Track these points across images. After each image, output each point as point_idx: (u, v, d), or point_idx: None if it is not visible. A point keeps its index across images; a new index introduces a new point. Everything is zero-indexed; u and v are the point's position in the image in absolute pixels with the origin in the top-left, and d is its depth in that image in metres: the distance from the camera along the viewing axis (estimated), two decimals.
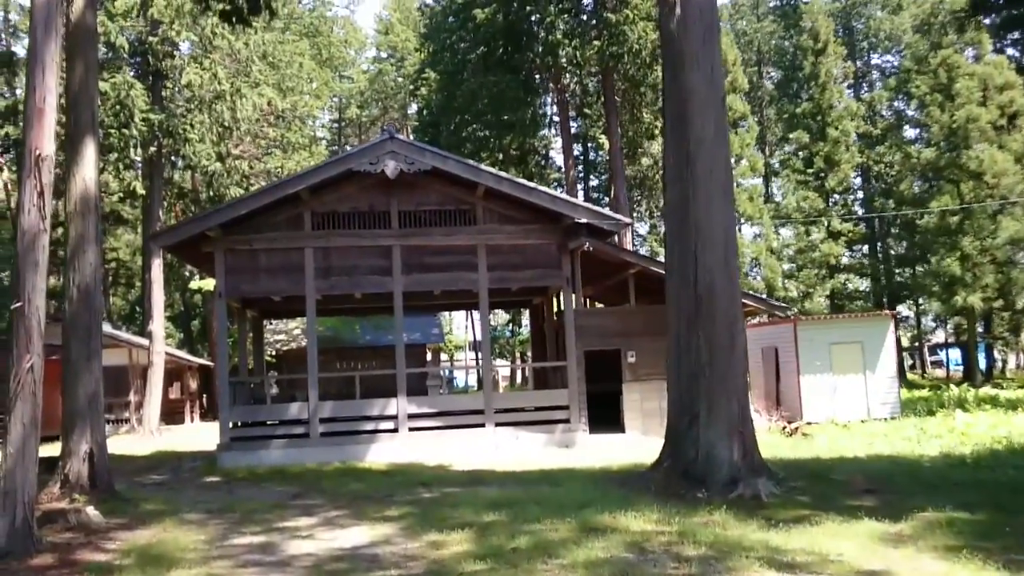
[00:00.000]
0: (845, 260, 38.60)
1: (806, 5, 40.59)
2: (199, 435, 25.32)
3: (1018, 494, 10.07)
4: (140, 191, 27.99)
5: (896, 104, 41.48)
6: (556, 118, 34.32)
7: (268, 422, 17.53)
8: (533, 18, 28.10)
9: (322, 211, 17.00)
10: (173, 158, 27.73)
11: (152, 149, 25.57)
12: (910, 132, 40.38)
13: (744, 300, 13.93)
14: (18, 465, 8.28)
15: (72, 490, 11.26)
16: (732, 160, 44.80)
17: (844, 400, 19.52)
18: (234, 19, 15.79)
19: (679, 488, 11.09)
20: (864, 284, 39.41)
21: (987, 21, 25.30)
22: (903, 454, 14.48)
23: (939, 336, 49.42)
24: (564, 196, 17.44)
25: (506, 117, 28.46)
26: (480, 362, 56.85)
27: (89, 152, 12.10)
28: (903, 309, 41.61)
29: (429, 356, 35.96)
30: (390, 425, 16.82)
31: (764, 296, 26.47)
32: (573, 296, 17.59)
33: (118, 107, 23.32)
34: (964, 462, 13.16)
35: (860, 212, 38.11)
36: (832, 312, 34.71)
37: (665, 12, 12.40)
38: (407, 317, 36.56)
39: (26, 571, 7.78)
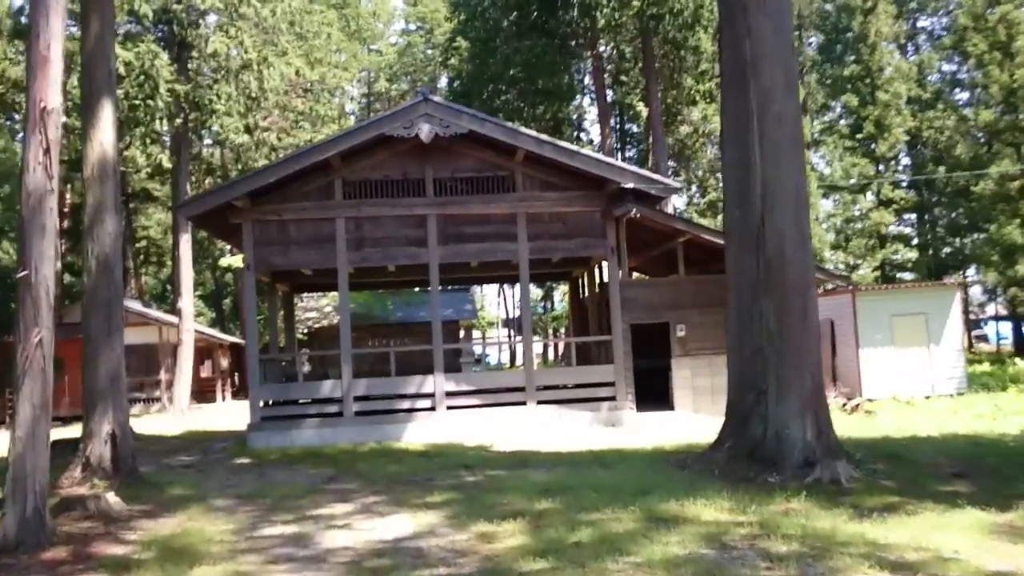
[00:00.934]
0: (893, 230, 37.09)
1: None
2: (230, 414, 24.76)
3: None
4: (167, 164, 27.34)
5: (946, 67, 39.72)
6: (592, 86, 33.16)
7: (300, 401, 16.80)
8: None
9: (354, 179, 16.14)
10: (200, 131, 26.98)
11: (178, 121, 24.84)
12: (960, 96, 38.70)
13: None
14: (28, 450, 7.54)
15: (94, 474, 10.59)
16: None
17: (906, 375, 18.37)
18: None
19: (746, 471, 10.16)
20: (911, 255, 37.83)
21: None
22: (982, 433, 13.40)
23: (989, 309, 47.65)
24: (609, 159, 16.41)
25: (540, 84, 27.33)
26: (519, 337, 56.11)
27: (106, 113, 11.31)
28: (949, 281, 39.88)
29: (462, 333, 35.16)
30: (427, 403, 16.02)
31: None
32: (619, 266, 16.59)
33: (142, 77, 22.57)
34: None
35: (908, 180, 36.52)
36: (882, 284, 33.32)
37: None
38: (438, 294, 35.97)
39: (36, 566, 7.04)
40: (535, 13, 27.82)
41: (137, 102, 22.73)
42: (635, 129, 38.98)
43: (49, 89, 7.69)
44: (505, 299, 61.48)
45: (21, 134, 30.30)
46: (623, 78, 31.74)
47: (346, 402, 15.77)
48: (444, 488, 10.14)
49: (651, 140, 30.22)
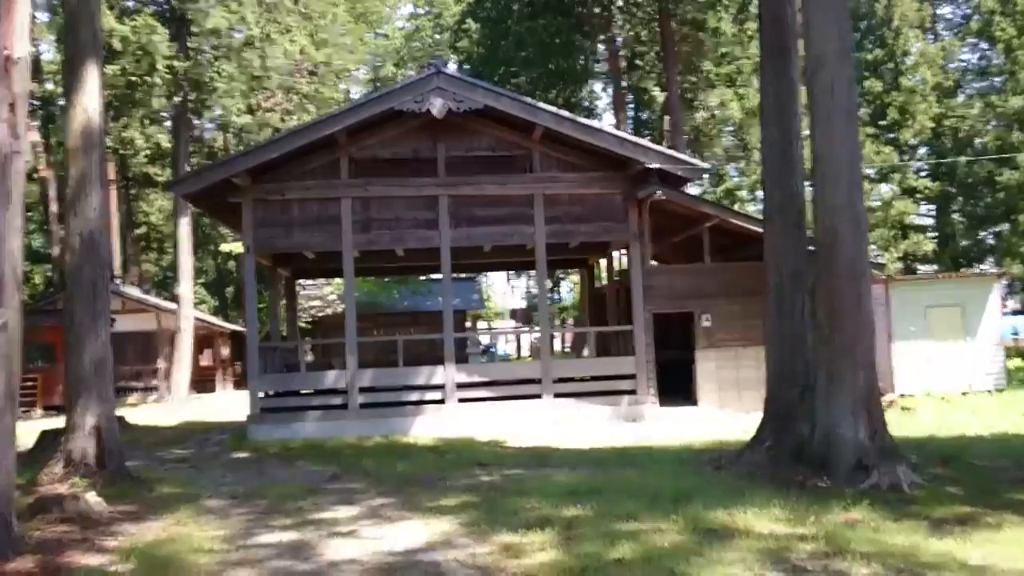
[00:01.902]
0: (915, 220, 35.98)
1: None
2: (231, 404, 23.83)
3: None
4: (165, 145, 26.38)
5: (967, 54, 38.51)
6: (605, 71, 32.11)
7: (302, 392, 15.89)
8: None
9: (361, 157, 15.19)
10: (201, 111, 25.98)
11: (177, 100, 23.86)
12: (980, 84, 37.48)
13: None
14: None
15: (76, 470, 9.67)
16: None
17: (942, 370, 17.36)
18: None
19: (792, 473, 9.22)
20: (928, 246, 36.72)
21: None
22: None
23: (1011, 303, 46.50)
24: (632, 138, 15.42)
25: (553, 66, 26.29)
26: (526, 327, 55.07)
27: (91, 77, 10.34)
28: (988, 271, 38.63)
29: (468, 323, 34.27)
30: (436, 395, 15.09)
31: None
32: (640, 252, 15.62)
33: (140, 52, 21.58)
34: None
35: (929, 169, 35.38)
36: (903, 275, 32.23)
37: None
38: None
39: None
40: None
41: (134, 78, 21.74)
42: (648, 116, 37.89)
43: (14, 35, 6.74)
44: (512, 289, 60.62)
45: None
46: (638, 62, 30.65)
47: (351, 393, 14.85)
48: (458, 489, 9.23)
49: (668, 125, 29.18)
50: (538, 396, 15.16)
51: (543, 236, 15.33)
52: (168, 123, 27.88)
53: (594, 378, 15.68)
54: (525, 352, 52.74)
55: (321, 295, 32.87)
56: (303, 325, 28.10)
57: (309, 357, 22.88)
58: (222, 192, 14.87)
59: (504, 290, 62.05)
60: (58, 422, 14.25)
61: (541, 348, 15.76)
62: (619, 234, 15.65)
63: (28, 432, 15.00)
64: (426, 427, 14.62)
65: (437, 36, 47.81)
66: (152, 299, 30.99)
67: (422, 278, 31.83)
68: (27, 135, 6.84)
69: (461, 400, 15.05)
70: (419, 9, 52.36)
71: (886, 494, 8.27)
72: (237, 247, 29.58)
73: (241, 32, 23.83)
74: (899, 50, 33.95)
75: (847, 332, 9.22)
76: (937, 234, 37.89)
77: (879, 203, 33.44)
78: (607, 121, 39.65)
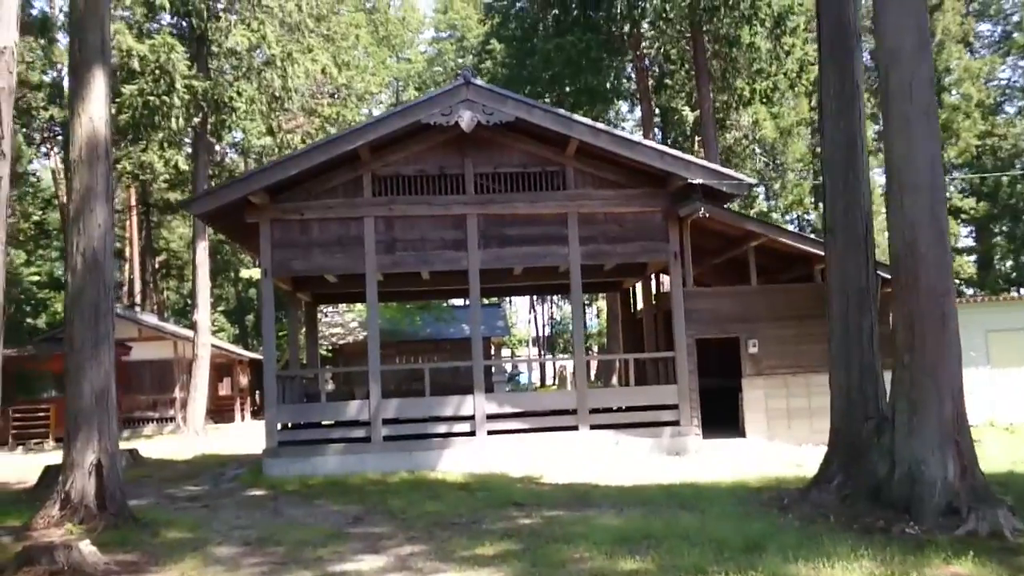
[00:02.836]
0: (955, 242, 34.80)
1: None
2: (248, 435, 23.00)
3: None
4: (183, 166, 25.77)
5: (1006, 72, 37.43)
6: (633, 91, 31.29)
7: (323, 423, 14.97)
8: None
9: (384, 174, 14.38)
10: (220, 132, 25.40)
11: (196, 121, 23.27)
12: (1022, 101, 36.33)
13: (882, 273, 10.90)
14: None
15: (74, 513, 8.80)
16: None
17: (1006, 398, 16.21)
18: None
19: (870, 517, 8.20)
20: (971, 268, 35.43)
21: None
22: None
23: None
24: (673, 152, 14.50)
25: (581, 84, 25.49)
26: (550, 356, 54.20)
27: (97, 85, 9.62)
28: None
29: (492, 351, 33.31)
30: (465, 427, 14.11)
31: None
32: (682, 273, 14.66)
33: (157, 71, 21.02)
34: None
35: (971, 189, 34.22)
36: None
37: None
38: (469, 309, 34.11)
39: None
40: (576, 9, 26.06)
41: (152, 98, 21.15)
42: (676, 136, 37.02)
43: (0, 24, 5.96)
44: (536, 316, 59.69)
45: None
46: (667, 81, 29.85)
47: (374, 425, 13.92)
48: (496, 535, 8.25)
49: (698, 144, 28.33)
50: (574, 428, 14.15)
51: (578, 257, 14.42)
52: (187, 147, 27.34)
53: (631, 408, 14.65)
54: (548, 380, 51.67)
55: (342, 322, 32.07)
56: (323, 353, 27.27)
57: (330, 386, 22.03)
58: (239, 212, 14.09)
59: (527, 317, 61.08)
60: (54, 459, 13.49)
61: (577, 376, 14.77)
62: (658, 254, 14.69)
63: (37, 466, 14.22)
64: (455, 461, 13.65)
65: (460, 60, 47.39)
66: (170, 326, 30.33)
67: (446, 304, 30.99)
68: (10, 136, 6.04)
69: (491, 432, 14.08)
70: (441, 33, 52.09)
71: (987, 542, 7.24)
72: (257, 273, 28.93)
73: (261, 52, 23.24)
74: (941, 65, 32.91)
75: (930, 356, 8.22)
76: (977, 256, 36.65)
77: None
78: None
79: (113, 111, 22.49)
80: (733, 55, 26.00)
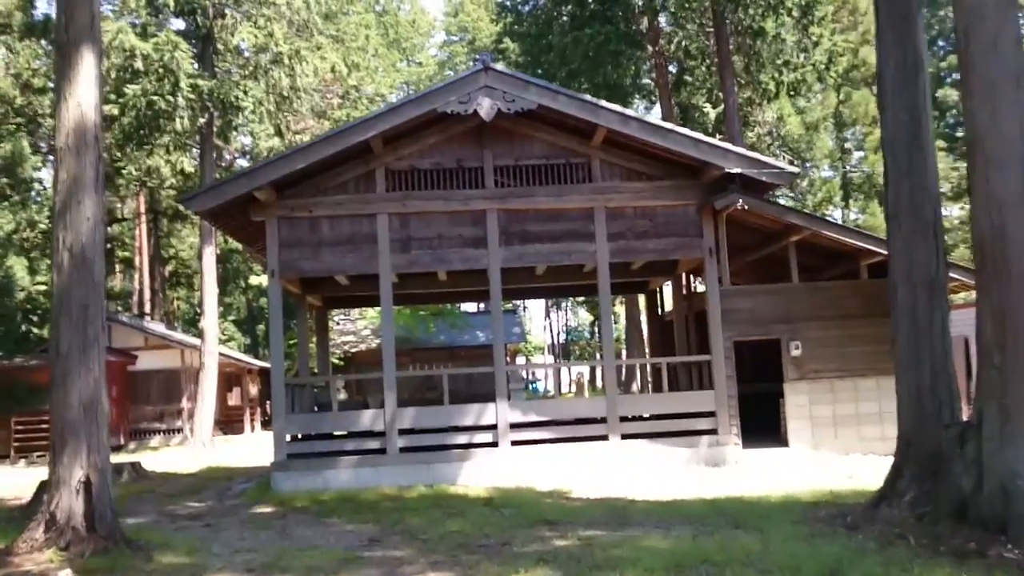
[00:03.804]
0: None
1: None
2: (258, 447, 22.11)
3: None
4: (188, 168, 24.97)
5: None
6: (651, 87, 30.36)
7: (335, 434, 14.04)
8: None
9: (398, 168, 13.49)
10: (227, 133, 24.61)
11: (202, 121, 22.47)
12: None
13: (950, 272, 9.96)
14: None
15: (60, 535, 7.88)
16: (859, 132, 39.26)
17: None
18: None
19: (956, 537, 7.21)
20: None
21: None
22: None
23: None
24: (709, 139, 13.57)
25: (601, 78, 24.55)
26: (567, 362, 53.11)
27: (86, 66, 8.75)
28: None
29: (507, 358, 32.37)
30: (487, 437, 13.15)
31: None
32: (718, 270, 13.70)
33: (161, 70, 20.24)
34: None
35: None
36: None
37: None
38: (483, 316, 33.06)
39: None
40: (593, 3, 25.17)
41: (156, 98, 20.35)
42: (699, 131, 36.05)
43: None
44: (551, 323, 58.75)
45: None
46: (687, 78, 28.89)
47: (389, 436, 12.98)
48: (529, 559, 7.29)
49: (722, 141, 27.27)
50: (603, 437, 13.19)
51: (606, 254, 13.47)
52: (194, 150, 26.57)
53: (664, 416, 13.65)
54: (564, 388, 50.64)
55: (354, 329, 31.22)
56: (335, 361, 26.38)
57: (342, 395, 21.14)
58: (244, 209, 13.22)
59: (543, 324, 60.11)
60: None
61: (606, 382, 13.81)
62: (692, 251, 13.73)
63: (37, 481, 13.34)
64: (476, 474, 12.71)
65: (471, 62, 46.64)
66: (176, 335, 29.51)
67: (462, 308, 30.09)
68: None
69: (515, 442, 13.12)
70: (452, 37, 51.37)
71: None
72: (266, 280, 28.14)
73: (269, 51, 22.44)
74: None
75: None
76: None
77: (958, 222, 31.11)
78: None
79: (116, 112, 21.83)
80: (757, 47, 25.02)
